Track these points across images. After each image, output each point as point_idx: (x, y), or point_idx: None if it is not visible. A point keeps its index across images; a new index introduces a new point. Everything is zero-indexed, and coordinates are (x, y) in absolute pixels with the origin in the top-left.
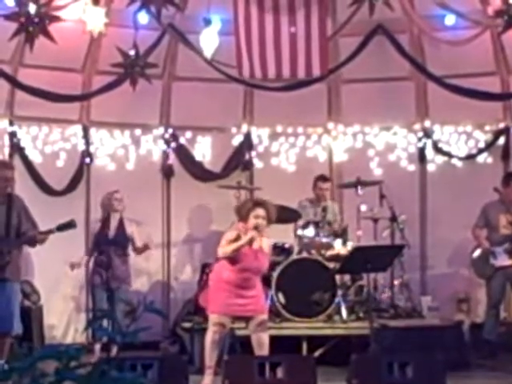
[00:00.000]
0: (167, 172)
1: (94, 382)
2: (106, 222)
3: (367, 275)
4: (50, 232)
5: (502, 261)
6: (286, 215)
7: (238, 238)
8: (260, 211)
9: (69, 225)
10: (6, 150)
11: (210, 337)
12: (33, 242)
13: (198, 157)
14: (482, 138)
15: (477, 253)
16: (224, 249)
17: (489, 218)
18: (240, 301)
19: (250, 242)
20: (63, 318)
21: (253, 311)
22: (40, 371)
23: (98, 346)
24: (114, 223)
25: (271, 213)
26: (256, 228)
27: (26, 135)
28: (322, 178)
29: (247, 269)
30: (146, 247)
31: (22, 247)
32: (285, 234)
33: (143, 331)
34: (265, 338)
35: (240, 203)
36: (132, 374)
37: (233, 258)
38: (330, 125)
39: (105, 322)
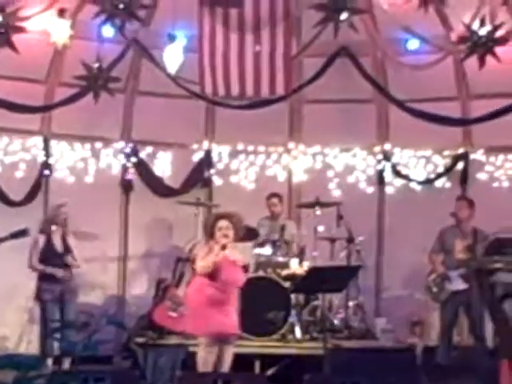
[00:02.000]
0: (126, 186)
1: None
2: (50, 234)
3: (322, 295)
4: (3, 239)
5: (457, 285)
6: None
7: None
8: (223, 223)
9: (22, 232)
10: None
11: (203, 358)
12: None
13: (157, 172)
14: (441, 162)
15: (432, 277)
16: (203, 263)
17: (445, 242)
18: (225, 319)
19: (223, 248)
20: (16, 329)
21: (235, 329)
22: None
23: (49, 359)
24: (56, 237)
25: (236, 222)
26: (225, 237)
27: None
28: (270, 195)
29: (229, 282)
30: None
31: None
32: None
33: (103, 344)
34: (229, 358)
35: (204, 221)
36: None
37: (213, 273)
38: (291, 144)
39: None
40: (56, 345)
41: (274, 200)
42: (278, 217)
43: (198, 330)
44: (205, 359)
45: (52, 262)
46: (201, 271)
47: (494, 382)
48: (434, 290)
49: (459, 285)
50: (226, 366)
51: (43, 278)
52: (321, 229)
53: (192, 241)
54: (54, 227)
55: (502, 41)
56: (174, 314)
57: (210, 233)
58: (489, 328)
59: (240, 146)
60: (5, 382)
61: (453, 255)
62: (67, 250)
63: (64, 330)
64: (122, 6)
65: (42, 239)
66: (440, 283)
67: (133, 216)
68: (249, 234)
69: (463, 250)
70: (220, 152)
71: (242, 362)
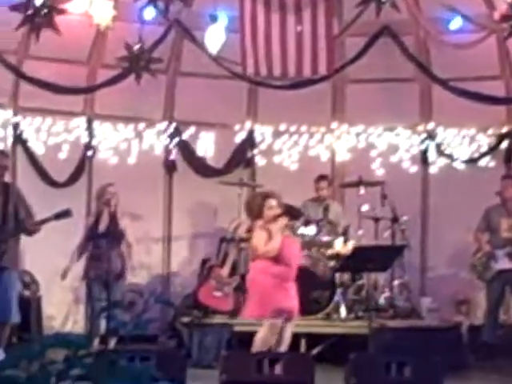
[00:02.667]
0: (169, 167)
1: (103, 370)
2: (99, 215)
3: (367, 275)
4: (46, 220)
5: (503, 264)
6: (287, 213)
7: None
8: (272, 201)
9: (65, 213)
10: (10, 141)
11: (263, 339)
12: (29, 231)
13: (200, 152)
14: (485, 141)
15: (477, 256)
16: (270, 246)
17: (490, 221)
18: (292, 298)
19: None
20: (62, 309)
21: (295, 312)
22: (49, 359)
23: (96, 338)
24: (105, 216)
25: (281, 201)
26: (278, 216)
27: (30, 126)
28: (318, 177)
29: (292, 259)
30: (129, 247)
31: (20, 236)
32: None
33: (150, 323)
34: (289, 335)
35: (248, 202)
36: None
37: (279, 254)
38: (334, 124)
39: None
40: (102, 324)
41: (323, 184)
42: (325, 200)
43: (266, 313)
44: (266, 340)
45: (95, 243)
46: (269, 255)
47: None
48: (480, 268)
49: (505, 263)
50: (285, 345)
51: (91, 257)
52: (365, 208)
53: (236, 221)
54: (101, 206)
55: None
56: (218, 294)
57: (258, 212)
58: None
59: (283, 127)
60: (55, 360)
61: (498, 234)
62: (114, 230)
63: (112, 309)
64: None
65: (90, 220)
66: (486, 262)
67: (176, 196)
68: (293, 214)
69: (509, 228)
70: (263, 132)
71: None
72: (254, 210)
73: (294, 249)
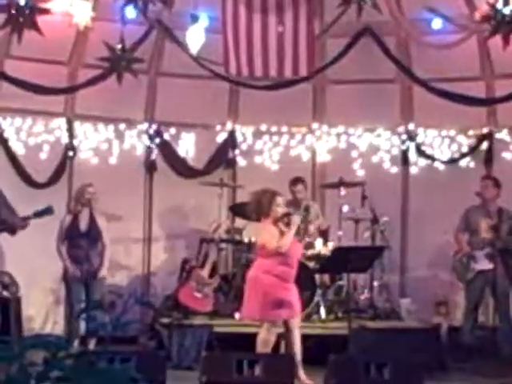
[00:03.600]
0: (150, 167)
1: (83, 372)
2: (77, 214)
3: (347, 275)
4: (27, 218)
5: (483, 265)
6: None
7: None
8: (280, 199)
9: (46, 211)
10: None
11: (264, 340)
12: (13, 229)
13: (181, 153)
14: (466, 142)
15: (457, 257)
16: (282, 242)
17: (470, 222)
18: (295, 298)
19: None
20: (42, 310)
21: (298, 311)
22: (28, 360)
23: (75, 340)
24: (85, 216)
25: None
26: (288, 215)
27: (10, 127)
28: (293, 181)
29: (296, 256)
30: (104, 247)
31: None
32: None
33: (129, 324)
34: (299, 333)
35: (258, 199)
36: (121, 366)
37: (285, 253)
38: (315, 125)
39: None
40: (82, 325)
41: (299, 187)
42: (302, 202)
43: (267, 315)
44: (267, 341)
45: (75, 243)
46: (281, 250)
47: None
48: (460, 269)
49: (485, 264)
50: (298, 345)
51: (70, 257)
52: (345, 209)
53: (216, 221)
54: (79, 207)
55: None
56: (198, 295)
57: (267, 210)
58: None
59: (263, 127)
60: (35, 362)
61: (478, 235)
62: (94, 230)
63: (91, 310)
64: None
65: (67, 219)
66: (466, 263)
67: (157, 197)
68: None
69: (488, 229)
70: (244, 133)
71: None
72: (265, 206)
73: (297, 250)
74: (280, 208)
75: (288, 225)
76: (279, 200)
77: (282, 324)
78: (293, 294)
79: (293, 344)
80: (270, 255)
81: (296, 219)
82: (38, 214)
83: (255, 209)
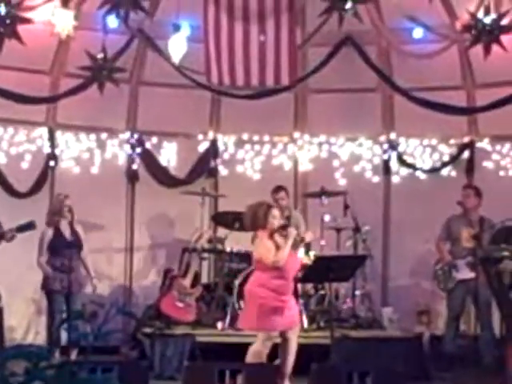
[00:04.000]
0: (132, 176)
1: (64, 382)
2: (57, 226)
3: (329, 285)
4: (9, 232)
5: (464, 274)
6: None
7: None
8: (276, 212)
9: (28, 226)
10: None
11: (257, 352)
12: (6, 238)
13: (163, 162)
14: (447, 151)
15: (439, 266)
16: (279, 257)
17: (451, 231)
18: (292, 311)
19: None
20: (23, 321)
21: (295, 322)
22: (10, 371)
23: (57, 350)
24: (64, 227)
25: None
26: (284, 227)
27: None
28: (275, 189)
29: (292, 269)
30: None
31: None
32: (247, 242)
33: (111, 334)
34: (295, 344)
35: (253, 212)
36: (103, 376)
37: (282, 266)
38: (296, 134)
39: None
40: (63, 335)
41: (281, 194)
42: (284, 210)
43: (263, 326)
44: (259, 353)
45: (61, 253)
46: (278, 265)
47: (500, 369)
48: (441, 278)
49: (466, 273)
50: (293, 355)
51: (54, 268)
52: (327, 218)
53: (198, 231)
54: (59, 218)
55: (507, 29)
56: (181, 304)
57: (263, 222)
58: (495, 317)
59: (245, 136)
60: (16, 372)
61: (460, 244)
62: (77, 239)
63: (73, 320)
64: None
65: (50, 232)
66: (447, 272)
67: (139, 206)
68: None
69: (470, 238)
70: (225, 142)
71: None
72: (261, 219)
73: (294, 263)
74: (276, 220)
75: (285, 237)
76: (275, 212)
77: (277, 336)
78: (289, 306)
79: (287, 355)
80: (266, 269)
81: (293, 231)
82: (21, 229)
83: (251, 221)
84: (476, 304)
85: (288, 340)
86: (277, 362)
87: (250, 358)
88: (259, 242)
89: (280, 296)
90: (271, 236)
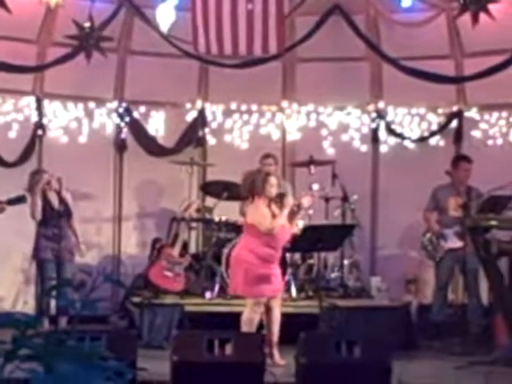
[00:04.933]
0: (120, 146)
1: (52, 350)
2: (45, 195)
3: (317, 254)
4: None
5: (452, 243)
6: (237, 192)
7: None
8: (273, 179)
9: (19, 199)
10: None
11: (248, 319)
12: None
13: (151, 132)
14: (435, 120)
15: (427, 236)
16: (274, 224)
17: (439, 200)
18: (277, 278)
19: (298, 207)
20: (12, 290)
21: (280, 290)
22: None
23: (46, 319)
24: (51, 195)
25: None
26: (282, 196)
27: None
28: (263, 155)
29: (282, 239)
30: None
31: None
32: (235, 211)
33: (101, 302)
34: (279, 313)
35: (247, 180)
36: (91, 344)
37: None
38: (284, 103)
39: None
40: (52, 304)
41: (269, 160)
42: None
43: (250, 292)
44: (251, 320)
45: (50, 222)
46: (273, 232)
47: (488, 338)
48: (429, 248)
49: (454, 243)
50: (277, 323)
51: (45, 237)
52: (315, 187)
53: (186, 200)
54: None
55: None
56: (169, 274)
57: (261, 189)
58: (483, 286)
59: (233, 105)
60: (3, 340)
61: (447, 213)
62: (66, 207)
63: (61, 288)
64: None
65: (39, 204)
66: (435, 241)
67: (127, 176)
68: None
69: (457, 207)
70: (214, 111)
71: (238, 320)
72: (259, 186)
73: (284, 233)
74: (273, 189)
75: (280, 207)
76: (273, 180)
77: (265, 302)
78: (275, 274)
79: (272, 323)
80: (258, 235)
81: (290, 200)
82: (12, 202)
83: (249, 188)
84: (464, 273)
85: (272, 309)
86: (263, 332)
87: (243, 327)
88: (254, 209)
89: (267, 264)
90: (268, 204)
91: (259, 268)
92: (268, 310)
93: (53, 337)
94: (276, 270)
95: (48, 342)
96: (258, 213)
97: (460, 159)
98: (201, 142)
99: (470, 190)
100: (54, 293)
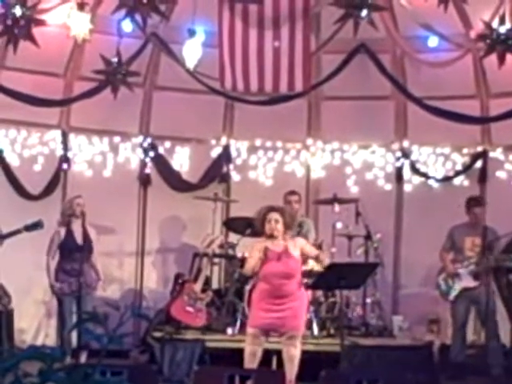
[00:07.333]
0: (144, 181)
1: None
2: (69, 228)
3: (340, 292)
4: (17, 232)
5: (467, 283)
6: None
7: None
8: (273, 215)
9: (36, 225)
10: None
11: (247, 352)
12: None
13: (175, 167)
14: (460, 160)
15: (442, 276)
16: (245, 267)
17: (454, 240)
18: (275, 314)
19: (265, 253)
20: (34, 323)
21: (286, 327)
22: (23, 371)
23: (69, 352)
24: (76, 229)
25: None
26: (271, 232)
27: (5, 138)
28: (288, 193)
29: (274, 274)
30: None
31: None
32: None
33: (127, 336)
34: (293, 352)
35: (256, 216)
36: (116, 378)
37: (259, 273)
38: (309, 141)
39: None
40: (73, 338)
41: (294, 197)
42: (296, 215)
43: (248, 323)
44: (247, 352)
45: (71, 256)
46: (247, 275)
47: (510, 379)
48: (443, 288)
49: (469, 282)
50: (293, 365)
51: (63, 271)
52: (339, 225)
53: (209, 236)
54: (70, 218)
55: None
56: (191, 309)
57: (261, 225)
58: (506, 327)
59: (258, 142)
60: (29, 373)
61: (462, 252)
62: (88, 243)
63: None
64: (144, 0)
65: (62, 232)
66: (449, 281)
67: (150, 210)
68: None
69: (473, 247)
70: (238, 147)
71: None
72: (258, 220)
73: (278, 267)
74: (269, 225)
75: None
76: (271, 216)
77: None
78: (279, 309)
79: (284, 361)
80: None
81: (262, 244)
82: (28, 228)
83: (256, 225)
84: (479, 313)
85: (284, 347)
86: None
87: (245, 362)
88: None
89: (267, 299)
90: (263, 242)
91: (258, 302)
92: (284, 348)
93: (78, 370)
94: (283, 305)
95: (73, 376)
96: (249, 252)
97: (471, 203)
98: (225, 178)
99: (486, 230)
100: (80, 326)
